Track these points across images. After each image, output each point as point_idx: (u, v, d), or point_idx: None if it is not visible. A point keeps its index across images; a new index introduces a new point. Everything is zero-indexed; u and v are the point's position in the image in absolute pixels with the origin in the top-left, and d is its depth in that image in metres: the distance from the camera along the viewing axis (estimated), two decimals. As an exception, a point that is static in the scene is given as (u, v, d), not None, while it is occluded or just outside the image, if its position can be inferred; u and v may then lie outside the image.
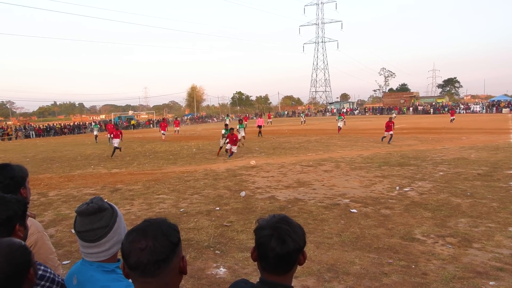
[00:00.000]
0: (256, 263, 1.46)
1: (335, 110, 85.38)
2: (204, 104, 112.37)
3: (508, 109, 62.24)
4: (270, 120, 50.48)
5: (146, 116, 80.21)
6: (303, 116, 48.41)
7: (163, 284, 1.22)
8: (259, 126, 29.86)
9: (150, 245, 1.19)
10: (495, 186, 9.23)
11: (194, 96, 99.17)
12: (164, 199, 9.15)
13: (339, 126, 29.25)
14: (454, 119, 37.46)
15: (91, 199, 1.65)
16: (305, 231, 1.48)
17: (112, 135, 22.78)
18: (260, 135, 28.40)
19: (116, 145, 19.04)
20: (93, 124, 29.74)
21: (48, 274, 1.75)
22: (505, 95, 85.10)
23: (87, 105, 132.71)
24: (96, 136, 30.91)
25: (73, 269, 1.72)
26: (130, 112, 79.94)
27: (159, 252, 1.19)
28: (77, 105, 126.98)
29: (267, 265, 1.40)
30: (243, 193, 7.98)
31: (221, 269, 5.08)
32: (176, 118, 52.21)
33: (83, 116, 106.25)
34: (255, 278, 4.69)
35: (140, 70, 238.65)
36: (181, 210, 8.13)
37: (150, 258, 1.18)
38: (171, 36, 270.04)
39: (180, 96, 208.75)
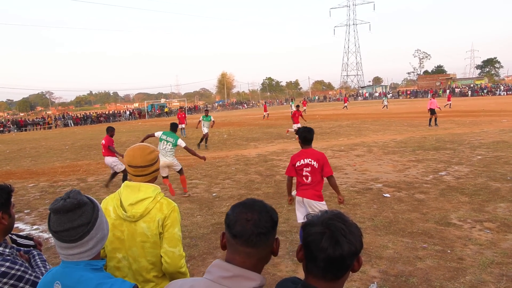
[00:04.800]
0: (298, 261, 1.32)
1: (367, 94, 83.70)
2: (235, 90, 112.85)
3: (553, 89, 58.89)
4: (346, 104, 45.39)
5: (178, 103, 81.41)
6: (385, 100, 40.78)
7: (259, 257, 1.29)
8: (432, 111, 19.34)
9: (255, 218, 1.27)
10: (538, 170, 8.83)
11: (224, 83, 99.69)
12: (197, 184, 9.33)
13: None
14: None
15: (67, 193, 1.46)
16: None
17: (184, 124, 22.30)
18: (435, 123, 19.45)
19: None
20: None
21: (13, 272, 1.63)
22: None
23: (121, 93, 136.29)
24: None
25: (52, 276, 1.47)
26: (162, 100, 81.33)
27: (262, 226, 1.27)
28: (111, 94, 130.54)
29: (315, 269, 1.22)
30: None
31: (254, 251, 5.15)
32: (265, 102, 50.40)
33: (117, 104, 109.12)
34: (286, 262, 4.76)
35: (171, 58, 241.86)
36: (214, 194, 8.27)
37: (254, 229, 1.26)
38: (200, 24, 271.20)
39: (210, 83, 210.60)
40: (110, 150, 9.22)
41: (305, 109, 39.34)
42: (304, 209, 4.81)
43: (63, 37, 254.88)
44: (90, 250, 1.45)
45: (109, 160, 9.32)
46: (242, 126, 26.89)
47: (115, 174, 9.53)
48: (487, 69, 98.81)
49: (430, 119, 19.61)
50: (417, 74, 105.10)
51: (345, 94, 77.69)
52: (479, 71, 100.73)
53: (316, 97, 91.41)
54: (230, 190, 8.54)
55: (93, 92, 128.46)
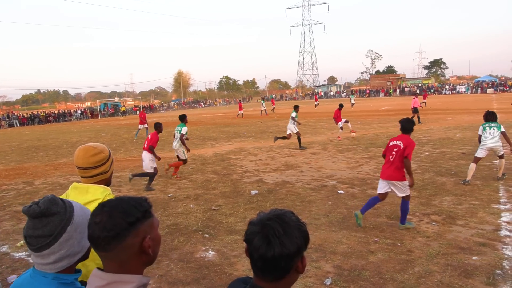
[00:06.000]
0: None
1: (322, 93, 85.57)
2: (191, 89, 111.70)
3: (492, 89, 63.06)
4: (317, 102, 43.08)
5: (133, 102, 79.30)
6: (352, 98, 41.46)
7: (118, 260, 1.22)
8: (415, 109, 20.20)
9: (104, 220, 1.20)
10: (479, 164, 9.35)
11: (181, 82, 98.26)
12: (152, 185, 9.10)
13: None
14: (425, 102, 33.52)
15: (42, 198, 1.38)
16: (294, 213, 1.28)
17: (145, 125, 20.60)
18: (418, 121, 19.64)
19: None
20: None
21: None
22: (490, 75, 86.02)
23: (71, 92, 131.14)
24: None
25: (21, 282, 1.40)
26: (116, 99, 78.96)
27: (109, 229, 1.19)
28: (61, 93, 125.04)
29: (254, 268, 1.23)
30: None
31: (210, 252, 5.11)
32: (240, 100, 48.59)
33: (68, 103, 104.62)
34: (242, 261, 4.73)
35: (125, 55, 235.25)
36: (169, 195, 8.11)
37: (100, 233, 1.19)
38: (155, 21, 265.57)
39: (166, 82, 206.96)
40: (150, 149, 8.81)
41: (274, 107, 39.65)
42: (385, 183, 5.65)
43: (7, 31, 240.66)
44: (53, 265, 1.35)
45: (144, 154, 8.91)
46: (199, 125, 26.60)
47: (146, 174, 8.94)
48: (434, 70, 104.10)
49: (418, 117, 20.02)
50: (370, 73, 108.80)
51: (315, 93, 78.70)
52: (426, 71, 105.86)
53: (273, 96, 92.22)
54: (186, 190, 8.42)
55: (41, 91, 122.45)
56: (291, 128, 13.83)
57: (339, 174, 9.26)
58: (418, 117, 20.16)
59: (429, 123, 19.98)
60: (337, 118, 15.87)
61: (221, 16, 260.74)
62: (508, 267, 4.27)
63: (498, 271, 4.16)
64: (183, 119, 10.00)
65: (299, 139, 13.80)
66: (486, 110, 8.33)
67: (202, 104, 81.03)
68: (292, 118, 13.79)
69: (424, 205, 6.55)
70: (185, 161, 10.03)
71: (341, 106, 16.10)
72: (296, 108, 14.25)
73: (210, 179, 9.43)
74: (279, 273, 1.20)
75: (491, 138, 7.84)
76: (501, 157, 7.98)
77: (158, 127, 9.14)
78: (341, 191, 7.66)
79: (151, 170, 8.80)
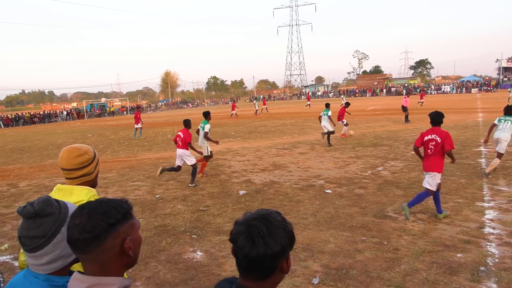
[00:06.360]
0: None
1: (310, 93, 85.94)
2: (179, 89, 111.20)
3: (476, 89, 64.10)
4: (309, 102, 42.37)
5: (120, 103, 78.58)
6: (343, 98, 42.07)
7: (98, 262, 1.21)
8: (404, 108, 20.53)
9: (83, 222, 1.19)
10: (464, 163, 9.54)
11: (168, 82, 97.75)
12: (140, 186, 9.05)
13: None
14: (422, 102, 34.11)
15: (37, 198, 1.38)
16: (281, 213, 1.28)
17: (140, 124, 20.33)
18: (407, 119, 20.32)
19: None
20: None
21: None
22: (474, 75, 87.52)
23: (57, 92, 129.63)
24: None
25: (15, 281, 1.40)
26: (103, 99, 78.12)
27: (88, 230, 1.18)
28: (46, 93, 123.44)
29: (240, 267, 1.25)
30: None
31: (198, 253, 5.10)
32: (234, 100, 48.69)
33: (53, 104, 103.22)
34: (231, 262, 4.73)
35: (112, 56, 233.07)
36: (157, 196, 8.06)
37: (79, 235, 1.18)
38: (143, 21, 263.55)
39: (154, 82, 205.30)
40: (189, 146, 8.86)
41: (266, 107, 39.60)
42: (426, 176, 5.97)
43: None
44: (46, 265, 1.35)
45: (181, 151, 8.90)
46: (187, 126, 26.49)
47: (179, 168, 9.15)
48: (420, 70, 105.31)
49: (406, 116, 20.48)
50: (357, 74, 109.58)
51: (307, 92, 79.12)
52: (412, 71, 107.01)
53: (261, 96, 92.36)
54: (174, 191, 8.38)
55: (26, 91, 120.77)
56: (327, 126, 14.13)
57: (327, 173, 9.32)
58: (407, 117, 20.48)
59: (415, 122, 20.21)
60: (341, 116, 15.95)
61: (209, 16, 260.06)
62: (492, 263, 4.35)
63: (482, 268, 4.24)
64: (206, 116, 9.87)
65: (329, 136, 14.13)
66: (507, 105, 8.70)
67: (190, 104, 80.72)
68: (329, 117, 14.15)
69: (410, 204, 6.62)
70: (206, 157, 9.84)
71: (347, 104, 16.10)
72: (328, 105, 14.64)
73: (198, 179, 9.39)
74: (264, 273, 1.21)
75: (500, 130, 8.27)
76: (498, 155, 8.19)
77: (187, 124, 9.19)
78: (329, 191, 7.70)
79: (194, 161, 8.98)
